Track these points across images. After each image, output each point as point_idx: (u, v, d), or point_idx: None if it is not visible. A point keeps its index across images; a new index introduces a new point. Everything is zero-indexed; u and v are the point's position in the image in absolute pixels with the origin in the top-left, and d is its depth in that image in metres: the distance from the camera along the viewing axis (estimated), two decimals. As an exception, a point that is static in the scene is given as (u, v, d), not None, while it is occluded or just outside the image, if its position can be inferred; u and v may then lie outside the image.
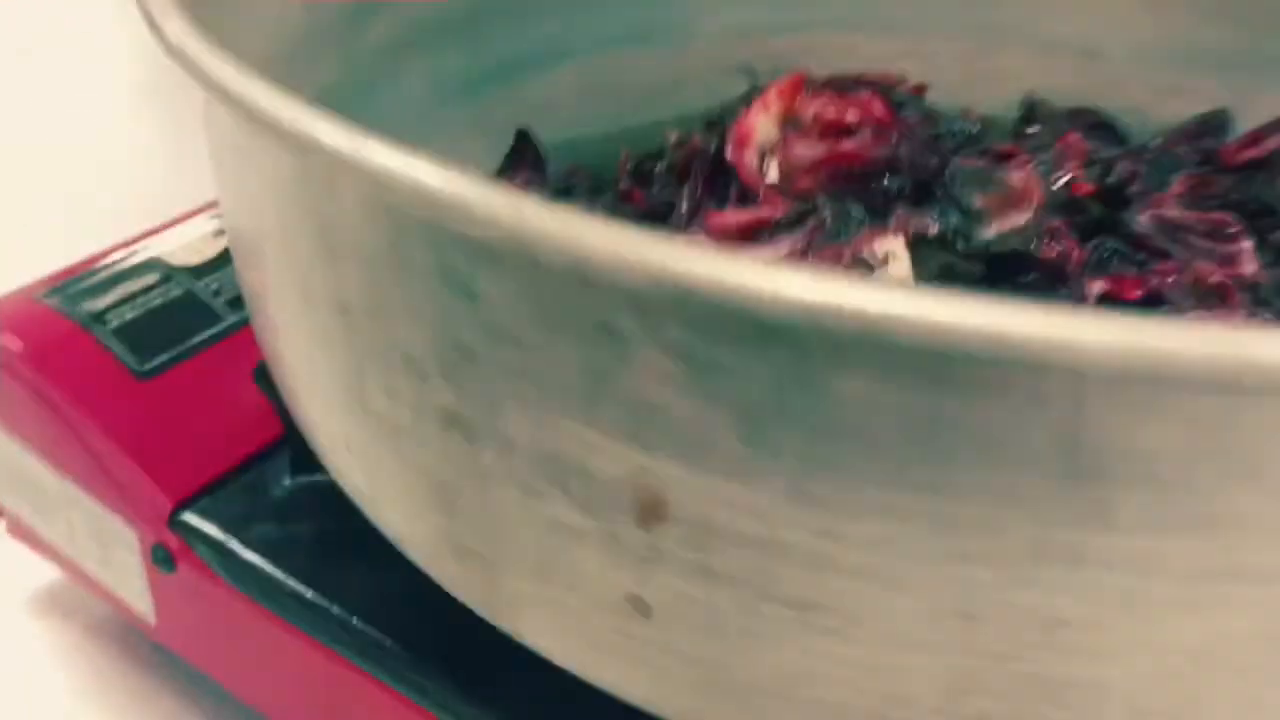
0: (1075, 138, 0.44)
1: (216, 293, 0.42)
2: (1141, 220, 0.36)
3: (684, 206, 0.30)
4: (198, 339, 0.41)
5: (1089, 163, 0.42)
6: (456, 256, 0.19)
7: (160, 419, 0.39)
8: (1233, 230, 0.36)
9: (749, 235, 0.28)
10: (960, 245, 0.27)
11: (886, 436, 0.17)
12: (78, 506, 0.41)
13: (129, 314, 0.41)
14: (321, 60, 0.39)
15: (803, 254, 0.27)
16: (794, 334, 0.17)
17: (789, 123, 0.30)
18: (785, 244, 0.27)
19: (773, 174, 0.29)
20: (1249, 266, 0.36)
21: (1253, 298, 0.34)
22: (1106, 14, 0.49)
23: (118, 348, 0.40)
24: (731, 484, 0.19)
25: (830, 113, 0.29)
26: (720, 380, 0.18)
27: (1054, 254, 0.28)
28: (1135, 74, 0.49)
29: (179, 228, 0.44)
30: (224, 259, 0.43)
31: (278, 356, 0.27)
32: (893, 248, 0.27)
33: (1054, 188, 0.36)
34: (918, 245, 0.27)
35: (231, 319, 0.41)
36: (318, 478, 0.38)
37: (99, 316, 0.40)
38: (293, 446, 0.38)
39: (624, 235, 0.17)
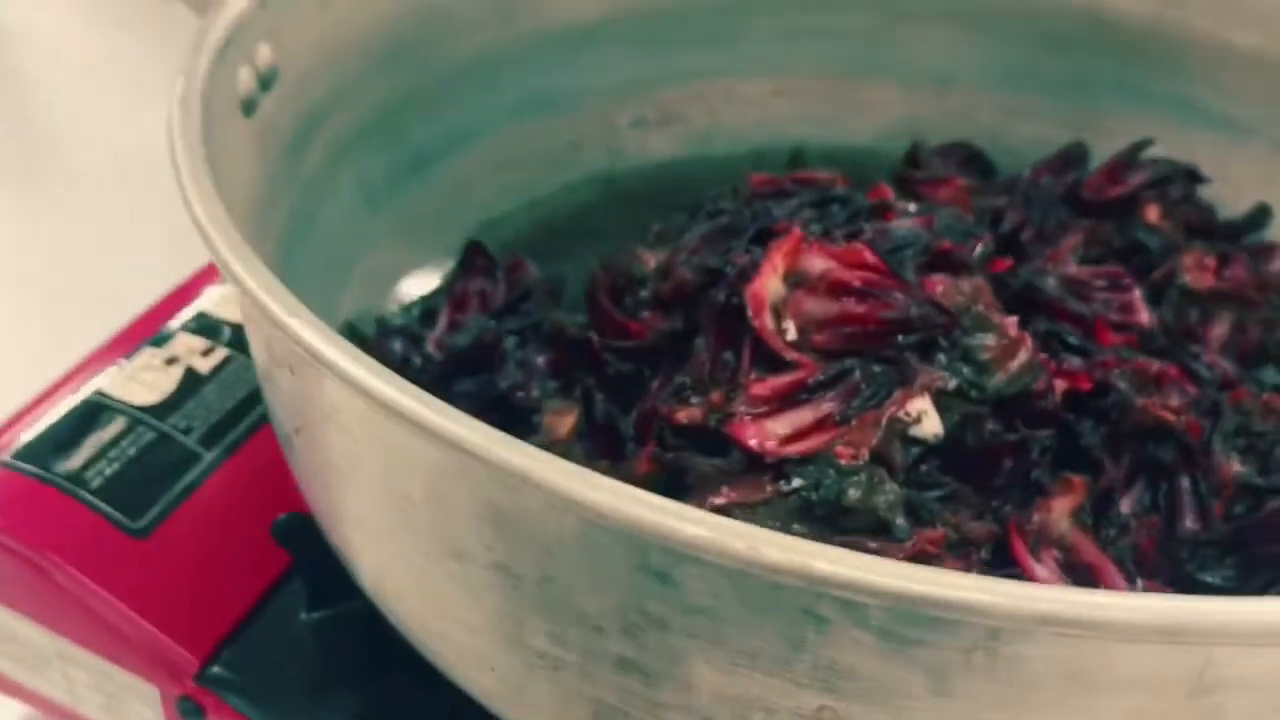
0: (958, 184, 0.49)
1: (187, 431, 0.42)
2: (1051, 284, 0.41)
3: (704, 357, 0.33)
4: (183, 484, 0.41)
5: (977, 212, 0.47)
6: (658, 556, 0.22)
7: (166, 575, 0.39)
8: (1125, 282, 0.42)
9: (788, 397, 0.31)
10: (974, 394, 0.31)
11: (1050, 680, 0.22)
12: (77, 663, 0.41)
13: (108, 469, 0.41)
14: (279, 198, 0.39)
15: (843, 418, 0.30)
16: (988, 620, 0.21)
17: (795, 279, 0.33)
18: (825, 405, 0.31)
19: (791, 333, 0.32)
20: (1143, 314, 0.42)
21: (1146, 347, 0.40)
22: (957, 46, 0.53)
23: (107, 508, 0.40)
24: (914, 717, 0.23)
25: (835, 274, 0.32)
26: (915, 650, 0.22)
27: (1042, 387, 0.32)
28: (986, 98, 0.54)
29: (118, 363, 0.44)
30: (184, 392, 0.43)
31: (379, 566, 0.29)
32: (923, 407, 0.31)
33: (976, 256, 0.41)
34: (939, 398, 0.31)
35: (210, 457, 0.42)
36: (336, 609, 0.40)
37: (78, 477, 0.40)
38: (308, 583, 0.40)
39: (848, 559, 0.20)
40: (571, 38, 0.51)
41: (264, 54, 0.38)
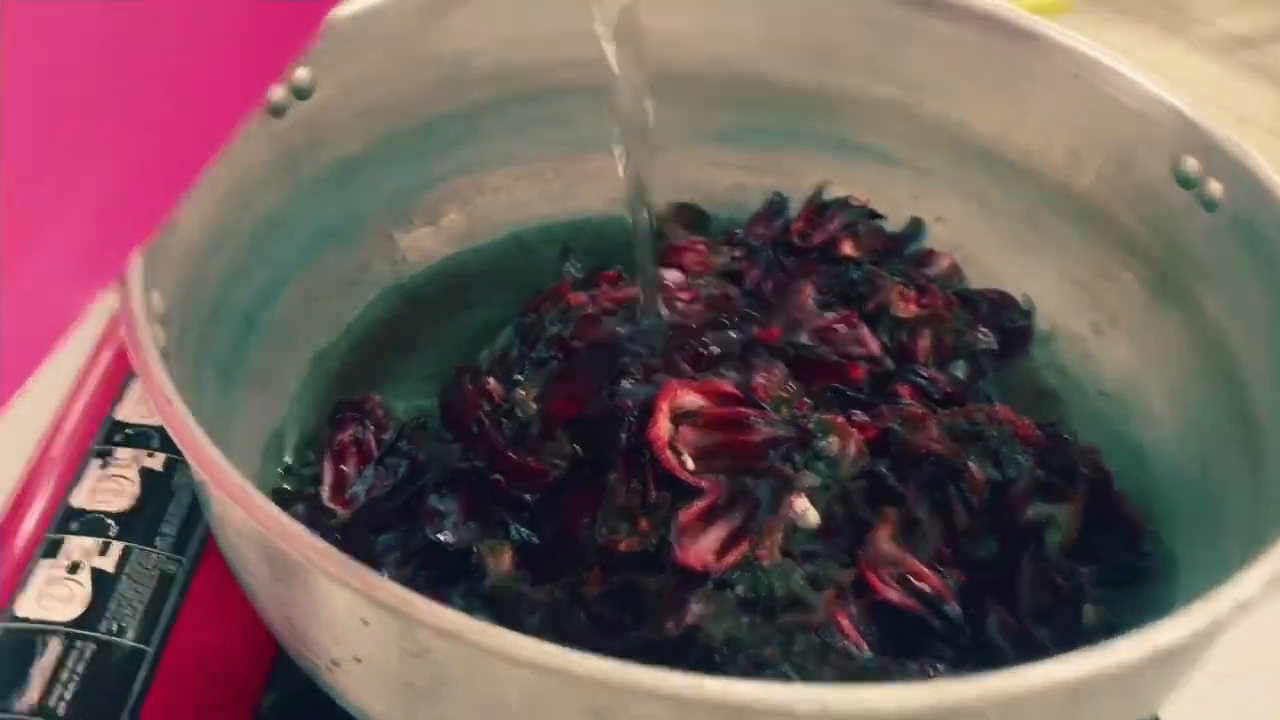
0: (699, 248, 0.60)
1: (121, 632, 0.46)
2: (808, 339, 0.53)
3: (621, 490, 0.42)
4: (140, 684, 0.45)
5: (724, 275, 0.58)
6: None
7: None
8: (855, 321, 0.55)
9: (706, 517, 0.40)
10: (832, 484, 0.42)
11: None
12: None
13: (67, 694, 0.44)
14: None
15: (746, 529, 0.40)
16: None
17: (677, 416, 0.42)
18: (735, 519, 0.40)
19: (690, 463, 0.41)
20: (873, 345, 0.55)
21: (873, 376, 0.53)
22: (661, 115, 0.62)
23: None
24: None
25: (710, 411, 0.42)
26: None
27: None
28: (690, 156, 0.64)
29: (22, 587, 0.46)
30: (101, 596, 0.46)
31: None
32: (804, 505, 0.41)
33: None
34: (811, 494, 0.42)
35: (151, 650, 0.46)
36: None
37: (44, 710, 0.43)
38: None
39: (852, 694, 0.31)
40: (343, 171, 0.56)
41: (157, 301, 0.42)
